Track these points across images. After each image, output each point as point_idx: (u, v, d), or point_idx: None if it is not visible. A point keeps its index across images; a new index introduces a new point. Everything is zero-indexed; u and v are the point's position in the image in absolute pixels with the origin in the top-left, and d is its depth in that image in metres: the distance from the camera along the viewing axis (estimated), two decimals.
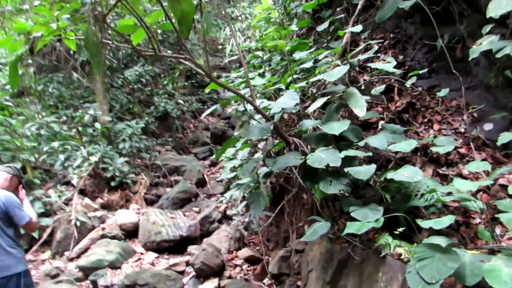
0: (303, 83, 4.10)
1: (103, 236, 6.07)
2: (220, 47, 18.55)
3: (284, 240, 5.13)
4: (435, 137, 4.15)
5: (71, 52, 11.15)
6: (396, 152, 4.28)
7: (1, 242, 3.36)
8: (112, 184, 7.77)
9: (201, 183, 8.68)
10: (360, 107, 3.63)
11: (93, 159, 7.54)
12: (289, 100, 3.74)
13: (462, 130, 4.35)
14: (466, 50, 4.85)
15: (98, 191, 7.65)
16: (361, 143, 3.70)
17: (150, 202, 8.12)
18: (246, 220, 5.60)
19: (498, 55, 3.42)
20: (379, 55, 5.18)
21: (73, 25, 3.15)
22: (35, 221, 3.56)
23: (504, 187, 3.45)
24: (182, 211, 7.11)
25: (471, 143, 3.99)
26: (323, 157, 3.43)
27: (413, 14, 5.52)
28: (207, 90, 14.16)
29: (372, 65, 3.85)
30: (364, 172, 3.22)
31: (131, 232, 6.32)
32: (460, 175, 3.79)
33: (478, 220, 3.43)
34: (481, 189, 3.54)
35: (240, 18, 16.77)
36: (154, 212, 6.44)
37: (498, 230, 3.23)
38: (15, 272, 3.35)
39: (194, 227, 6.18)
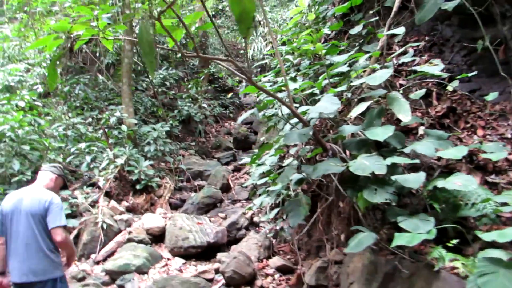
0: (343, 87, 3.95)
1: (129, 240, 5.99)
2: (241, 52, 18.54)
3: (317, 250, 4.97)
4: (480, 143, 3.96)
5: (97, 54, 11.27)
6: (439, 159, 4.11)
7: (41, 244, 3.26)
8: (137, 187, 7.72)
9: (225, 188, 8.59)
10: (404, 112, 3.47)
11: (119, 161, 7.51)
12: (330, 104, 3.60)
13: (509, 135, 4.14)
14: (509, 52, 4.67)
15: (123, 194, 7.61)
16: (407, 150, 3.52)
17: (174, 207, 8.05)
18: (278, 227, 5.45)
19: None
20: (414, 58, 5.00)
21: (112, 26, 3.07)
22: (66, 234, 3.32)
23: None
24: (207, 217, 7.00)
25: None
26: (367, 164, 3.28)
27: (450, 16, 5.33)
28: (229, 95, 14.16)
29: (418, 68, 3.69)
30: (414, 180, 3.06)
31: (157, 237, 6.23)
32: (511, 183, 3.59)
33: None
34: None
35: (262, 23, 16.72)
36: (180, 217, 6.35)
37: None
38: (51, 277, 3.27)
39: (221, 234, 6.07)
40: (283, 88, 4.67)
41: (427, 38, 5.55)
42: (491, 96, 3.80)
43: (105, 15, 3.52)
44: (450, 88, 4.35)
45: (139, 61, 11.27)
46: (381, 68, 4.13)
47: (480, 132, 4.30)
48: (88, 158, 7.44)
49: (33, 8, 10.49)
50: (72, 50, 3.58)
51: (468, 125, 4.44)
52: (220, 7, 20.65)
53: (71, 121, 8.39)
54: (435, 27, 5.56)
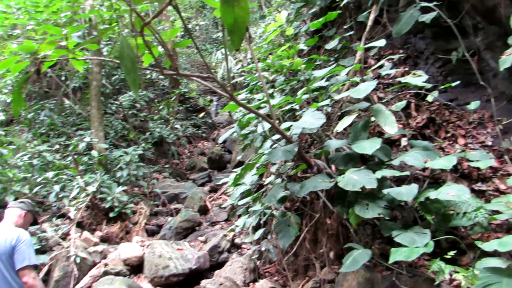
0: (326, 101, 3.88)
1: (106, 273, 5.63)
2: (212, 70, 18.47)
3: (305, 269, 4.81)
4: (463, 151, 3.97)
5: (63, 78, 10.90)
6: (424, 170, 4.08)
7: (12, 284, 3.05)
8: (111, 215, 7.38)
9: (203, 210, 8.33)
10: (390, 124, 3.42)
11: (90, 189, 7.16)
12: (314, 119, 3.52)
13: (489, 143, 4.18)
14: (482, 62, 4.77)
15: (96, 223, 7.25)
16: (396, 162, 3.46)
17: (151, 233, 7.72)
18: (263, 249, 5.27)
19: None
20: (395, 70, 5.02)
21: (87, 43, 2.89)
22: (34, 275, 3.12)
23: None
24: (187, 242, 6.74)
25: (505, 156, 3.81)
26: (357, 179, 3.20)
27: (423, 29, 5.43)
28: (200, 115, 13.98)
29: (402, 79, 3.66)
30: (407, 193, 2.99)
31: (136, 267, 5.89)
32: (498, 190, 3.59)
33: None
34: None
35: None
36: (159, 244, 6.06)
37: None
38: None
39: (203, 259, 5.81)
40: (262, 105, 4.58)
41: (401, 51, 5.62)
42: (473, 105, 3.82)
43: (75, 33, 3.34)
44: (430, 98, 4.38)
45: (108, 83, 10.97)
46: (361, 81, 4.10)
47: (461, 141, 4.33)
48: (56, 188, 7.06)
49: None
50: (39, 73, 3.35)
51: (449, 135, 4.47)
52: (189, 26, 20.61)
53: (37, 149, 7.99)
54: (409, 40, 5.65)
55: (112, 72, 11.83)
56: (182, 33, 16.57)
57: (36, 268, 3.22)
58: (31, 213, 3.51)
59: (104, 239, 6.94)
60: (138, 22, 2.66)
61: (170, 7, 2.29)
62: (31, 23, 8.65)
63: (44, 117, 9.64)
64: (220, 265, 5.90)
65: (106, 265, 5.77)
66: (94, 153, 8.01)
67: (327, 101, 3.89)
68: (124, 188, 7.90)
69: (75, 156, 7.72)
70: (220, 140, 4.55)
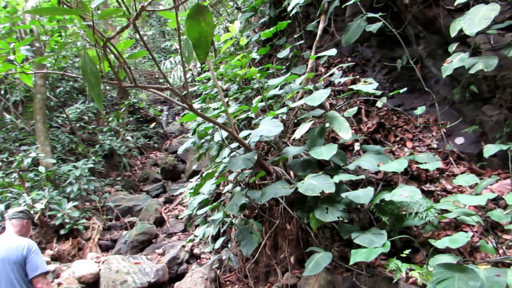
0: (283, 109, 3.97)
1: None
2: (160, 80, 18.24)
3: (266, 275, 4.86)
4: (411, 154, 4.20)
5: (2, 92, 10.33)
6: (376, 173, 4.27)
7: None
8: (62, 232, 7.06)
9: (159, 222, 8.17)
10: (345, 130, 3.56)
11: (39, 206, 6.82)
12: (273, 127, 3.59)
13: (435, 146, 4.45)
14: (425, 69, 5.09)
15: (46, 242, 6.91)
16: (351, 166, 3.61)
17: (105, 248, 7.46)
18: (224, 257, 5.25)
19: (472, 71, 3.53)
20: (347, 78, 5.21)
21: (41, 61, 2.80)
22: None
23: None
24: (144, 255, 6.59)
25: (450, 158, 4.07)
26: (316, 184, 3.29)
27: (369, 38, 5.70)
28: (152, 125, 13.72)
29: (354, 86, 3.82)
30: (364, 196, 3.12)
31: (92, 284, 5.64)
32: (445, 190, 3.83)
33: (471, 234, 3.44)
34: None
35: (179, 51, 16.61)
36: (115, 259, 5.88)
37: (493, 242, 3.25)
38: None
39: (162, 271, 5.70)
40: (220, 114, 4.60)
41: (349, 59, 5.86)
42: (419, 110, 4.06)
43: (23, 47, 3.22)
44: (379, 104, 4.59)
45: (53, 96, 10.52)
46: (314, 89, 4.23)
47: (409, 144, 4.57)
48: (1, 207, 6.66)
49: None
50: None
51: (398, 139, 4.71)
52: (137, 36, 20.21)
53: None
54: (356, 49, 5.91)
55: (56, 84, 11.38)
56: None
57: (47, 273, 3.36)
58: (31, 220, 3.65)
59: (56, 258, 6.63)
60: (91, 34, 2.61)
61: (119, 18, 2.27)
62: None
63: None
64: (179, 276, 5.82)
65: (59, 284, 5.51)
66: (42, 168, 7.64)
67: (284, 109, 3.97)
68: (75, 203, 7.59)
69: (20, 173, 7.33)
70: (180, 151, 4.51)
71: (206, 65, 8.76)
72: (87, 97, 11.84)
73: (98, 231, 7.64)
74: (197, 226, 7.13)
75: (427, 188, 3.94)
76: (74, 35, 9.84)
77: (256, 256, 4.77)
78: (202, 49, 1.71)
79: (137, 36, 19.75)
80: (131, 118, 13.23)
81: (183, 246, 6.46)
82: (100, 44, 2.50)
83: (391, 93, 4.29)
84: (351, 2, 4.64)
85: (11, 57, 3.22)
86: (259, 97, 4.59)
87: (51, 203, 7.19)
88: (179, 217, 8.09)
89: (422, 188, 3.96)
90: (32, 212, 6.72)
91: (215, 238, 5.45)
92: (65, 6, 2.10)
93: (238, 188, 4.38)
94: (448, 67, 3.67)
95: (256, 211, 5.05)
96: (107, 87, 13.08)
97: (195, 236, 5.62)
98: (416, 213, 3.39)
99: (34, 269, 3.23)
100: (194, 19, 1.62)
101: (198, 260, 6.34)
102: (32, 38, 6.58)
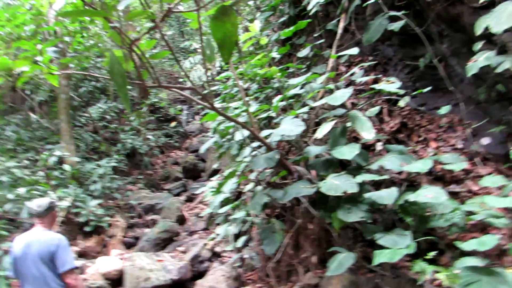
0: (305, 109, 3.97)
1: None
2: (180, 80, 18.40)
3: (287, 275, 4.86)
4: (435, 154, 4.14)
5: (27, 92, 10.59)
6: (399, 173, 4.23)
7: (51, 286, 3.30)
8: (87, 229, 7.21)
9: (180, 220, 8.28)
10: (367, 130, 3.54)
11: (65, 204, 6.99)
12: (294, 127, 3.60)
13: (460, 146, 4.36)
14: (449, 68, 4.99)
15: (72, 239, 7.06)
16: (374, 166, 3.58)
17: (128, 246, 7.60)
18: (245, 256, 5.29)
19: (498, 70, 3.46)
20: (369, 77, 5.16)
21: (69, 62, 2.87)
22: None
23: None
24: (166, 252, 6.68)
25: (475, 159, 4.00)
26: (338, 184, 3.29)
27: (390, 37, 5.63)
28: (172, 124, 13.87)
29: (377, 86, 3.80)
30: (387, 196, 3.10)
31: (116, 281, 5.78)
32: (471, 192, 3.76)
33: (498, 236, 3.37)
34: None
35: (199, 50, 16.74)
36: (138, 256, 5.99)
37: None
38: None
39: (184, 269, 5.79)
40: (241, 114, 4.63)
41: (370, 58, 5.79)
42: (444, 109, 4.00)
43: (50, 48, 3.30)
44: (402, 104, 4.54)
45: (76, 96, 10.75)
46: (335, 88, 4.22)
47: (433, 144, 4.50)
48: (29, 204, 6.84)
49: None
50: (15, 89, 3.29)
51: (421, 138, 4.64)
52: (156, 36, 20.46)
53: (5, 165, 7.72)
54: (377, 47, 5.83)
55: (79, 84, 11.60)
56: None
57: (77, 269, 3.48)
58: (56, 211, 3.73)
59: (81, 254, 6.79)
60: (115, 35, 2.66)
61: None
62: None
63: (10, 133, 9.34)
64: (201, 274, 5.88)
65: (85, 280, 5.65)
66: (66, 167, 7.82)
67: (305, 108, 3.97)
68: (99, 201, 7.74)
69: (46, 171, 7.51)
70: (201, 150, 4.56)
71: (225, 65, 8.82)
72: (109, 97, 12.05)
73: (122, 228, 7.79)
74: (218, 224, 7.19)
75: (452, 189, 3.87)
76: (96, 36, 10.03)
77: (278, 255, 4.79)
78: (227, 49, 1.73)
79: (157, 36, 20.00)
80: (152, 117, 13.41)
81: (205, 244, 6.53)
82: (125, 45, 2.55)
83: (414, 93, 4.24)
84: (372, 1, 4.59)
85: (38, 58, 3.30)
86: (280, 96, 4.60)
87: (76, 200, 7.36)
88: (200, 215, 8.18)
89: (447, 189, 3.89)
90: (57, 209, 6.94)
91: (236, 236, 5.49)
92: (90, 8, 2.15)
93: (259, 187, 4.40)
94: (473, 66, 3.60)
95: (278, 210, 5.07)
96: (129, 87, 13.29)
97: (216, 234, 5.67)
98: (441, 214, 3.34)
99: (63, 265, 3.30)
100: (219, 20, 1.64)
101: (220, 259, 6.39)
102: (58, 39, 6.74)
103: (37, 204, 3.58)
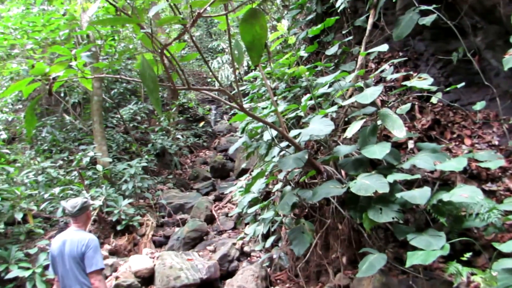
0: (334, 108, 3.92)
1: (117, 286, 5.63)
2: (208, 80, 18.56)
3: (317, 275, 4.83)
4: (470, 151, 4.00)
5: (62, 94, 10.93)
6: (432, 172, 4.11)
7: (82, 285, 3.44)
8: (118, 228, 7.39)
9: (209, 219, 8.34)
10: (398, 128, 3.45)
11: (97, 203, 7.18)
12: (323, 126, 3.55)
13: (496, 142, 4.21)
14: (484, 62, 4.82)
15: (104, 237, 7.25)
16: (406, 165, 3.49)
17: (158, 244, 7.72)
18: (274, 256, 5.28)
19: None
20: (401, 74, 5.04)
21: (92, 63, 2.93)
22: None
23: None
24: (195, 251, 6.75)
25: None
26: (369, 184, 3.22)
27: (421, 31, 5.48)
28: (201, 124, 14.00)
29: (408, 83, 3.70)
30: (420, 196, 3.02)
31: (147, 279, 5.89)
32: (509, 190, 3.62)
33: None
34: None
35: (226, 50, 16.84)
36: (169, 255, 6.07)
37: None
38: None
39: (213, 268, 5.83)
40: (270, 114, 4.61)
41: (401, 53, 5.66)
42: (479, 105, 3.86)
43: (84, 53, 3.38)
44: (434, 100, 4.42)
45: (108, 98, 11.01)
46: (364, 86, 4.14)
47: (467, 141, 4.36)
48: (63, 203, 7.06)
49: None
50: (51, 93, 3.40)
51: (455, 136, 4.50)
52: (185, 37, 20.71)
53: (41, 165, 8.01)
54: (407, 43, 5.69)
55: (111, 86, 11.89)
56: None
57: (103, 270, 3.53)
58: (89, 211, 3.84)
59: (113, 252, 6.94)
60: (145, 40, 2.70)
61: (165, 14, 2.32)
62: (30, 42, 8.69)
63: (46, 134, 9.66)
64: (230, 274, 5.91)
65: (117, 278, 5.78)
66: (99, 167, 8.03)
67: (334, 107, 3.92)
68: (130, 200, 7.91)
69: (80, 171, 7.73)
70: (230, 150, 4.57)
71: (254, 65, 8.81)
72: (140, 98, 12.28)
73: (152, 227, 7.92)
74: (246, 224, 7.22)
75: (488, 188, 3.74)
76: (127, 39, 10.24)
77: (307, 255, 4.75)
78: (256, 52, 1.72)
79: (186, 37, 20.23)
80: (181, 118, 13.59)
81: (234, 244, 6.55)
82: (156, 49, 2.58)
83: (447, 88, 4.11)
84: None
85: (73, 63, 3.39)
86: (308, 95, 4.56)
87: (108, 200, 7.54)
88: (229, 215, 8.22)
89: (482, 187, 3.76)
90: (91, 208, 7.13)
91: (265, 236, 5.49)
92: (122, 14, 2.18)
93: (288, 187, 4.38)
94: (510, 59, 3.46)
95: (306, 210, 5.03)
96: (159, 89, 13.49)
97: (245, 234, 5.69)
98: (477, 214, 3.22)
99: (90, 265, 3.42)
100: (248, 22, 1.63)
101: (249, 258, 6.41)
102: (92, 44, 6.91)
103: (71, 204, 3.68)
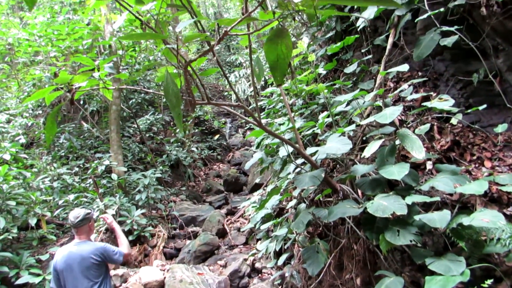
0: (352, 126, 3.89)
1: None
2: (224, 93, 18.69)
3: None
4: (490, 174, 3.92)
5: (81, 102, 11.11)
6: (451, 194, 4.03)
7: None
8: (130, 238, 7.39)
9: (221, 233, 8.31)
10: (417, 149, 3.40)
11: (110, 212, 7.20)
12: (341, 145, 3.52)
13: None
14: (505, 84, 4.75)
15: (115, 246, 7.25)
16: (425, 187, 3.43)
17: (169, 256, 7.70)
18: (286, 274, 5.20)
19: None
20: (420, 95, 5.00)
21: (113, 74, 2.96)
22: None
23: None
24: (206, 265, 6.71)
25: None
26: (386, 205, 3.17)
27: (442, 52, 5.44)
28: (215, 137, 14.06)
29: (428, 103, 3.66)
30: (440, 219, 2.95)
31: None
32: None
33: None
34: None
35: (244, 64, 16.98)
36: (179, 268, 6.05)
37: None
38: None
39: (224, 284, 5.78)
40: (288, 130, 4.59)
41: (420, 73, 5.62)
42: (501, 128, 3.79)
43: (107, 64, 3.43)
44: (454, 121, 4.35)
45: (126, 107, 11.15)
46: (383, 105, 4.11)
47: (487, 164, 4.27)
48: None
49: (15, 58, 10.37)
50: (73, 102, 3.47)
51: (475, 158, 4.41)
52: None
53: (57, 172, 8.11)
54: (427, 63, 5.65)
55: (129, 96, 12.05)
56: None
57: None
58: (92, 222, 3.89)
59: (124, 263, 6.92)
60: (169, 53, 2.73)
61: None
62: (53, 50, 8.89)
63: (63, 140, 9.80)
64: None
65: None
66: (114, 176, 8.09)
67: (352, 126, 3.89)
68: (143, 211, 7.94)
69: (95, 179, 7.79)
70: (246, 166, 4.55)
71: (270, 79, 8.82)
72: (157, 109, 12.41)
73: (163, 239, 7.91)
74: (258, 240, 7.16)
75: (510, 213, 3.64)
76: (148, 50, 10.40)
77: (321, 275, 4.68)
78: (280, 71, 1.71)
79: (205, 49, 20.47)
80: (196, 130, 13.67)
81: (245, 260, 6.50)
82: (180, 64, 2.60)
83: (468, 110, 4.05)
84: (424, 16, 4.47)
85: (95, 74, 3.44)
86: (326, 113, 4.54)
87: (121, 209, 7.57)
88: (241, 230, 8.17)
89: (504, 212, 3.67)
90: (94, 220, 7.16)
91: (277, 254, 5.42)
92: (147, 29, 2.21)
93: (303, 205, 4.33)
94: None
95: (321, 228, 4.97)
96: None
97: (257, 250, 5.63)
98: (498, 239, 3.14)
99: (117, 261, 3.71)
100: (273, 41, 1.63)
101: (260, 275, 6.34)
102: (114, 56, 7.04)
103: (74, 214, 3.72)
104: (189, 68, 2.58)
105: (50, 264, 6.00)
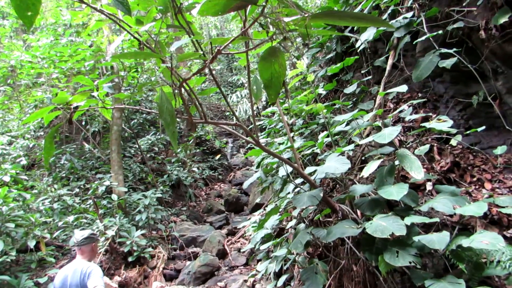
0: (350, 146, 3.89)
1: None
2: (226, 113, 18.79)
3: None
4: (490, 196, 3.90)
5: (83, 122, 11.18)
6: (451, 216, 4.00)
7: None
8: (130, 259, 7.32)
9: (221, 254, 8.22)
10: (416, 169, 3.40)
11: (110, 233, 7.16)
12: (339, 164, 3.52)
13: None
14: (504, 106, 4.77)
15: (115, 268, 7.19)
16: (424, 208, 3.41)
17: (169, 278, 7.60)
18: None
19: None
20: (413, 116, 5.03)
21: (113, 94, 2.99)
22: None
23: None
24: (206, 287, 6.61)
25: None
26: (385, 226, 3.14)
27: (441, 73, 5.49)
28: (217, 157, 14.07)
29: (427, 124, 3.67)
30: (439, 240, 2.92)
31: None
32: None
33: None
34: None
35: (246, 85, 17.14)
36: None
37: None
38: None
39: None
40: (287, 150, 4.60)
41: (420, 94, 5.66)
42: (500, 150, 3.79)
43: (106, 84, 3.47)
44: (454, 142, 4.36)
45: (127, 127, 11.21)
46: (382, 125, 4.13)
47: (487, 185, 4.25)
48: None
49: (17, 80, 10.50)
50: (71, 122, 3.51)
51: (475, 179, 4.40)
52: (205, 71, 21.21)
53: (57, 193, 8.10)
54: (427, 84, 5.69)
55: (131, 116, 12.13)
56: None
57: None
58: (96, 242, 3.89)
59: (123, 284, 6.85)
60: (166, 72, 2.76)
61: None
62: (56, 71, 9.01)
63: (64, 161, 9.82)
64: None
65: None
66: (114, 196, 8.07)
67: (351, 146, 3.89)
68: (143, 231, 7.88)
69: (95, 200, 7.77)
70: (245, 185, 4.55)
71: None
72: (158, 129, 12.47)
73: (163, 260, 7.83)
74: (259, 260, 7.08)
75: (510, 235, 3.60)
76: (149, 71, 10.53)
77: None
78: (273, 89, 1.74)
79: (206, 71, 20.69)
80: (197, 150, 13.69)
81: (245, 281, 6.41)
82: (176, 83, 2.64)
83: (468, 131, 4.06)
84: (423, 38, 4.53)
85: (95, 93, 3.48)
86: (325, 132, 4.56)
87: (121, 230, 7.52)
88: (241, 250, 8.08)
89: (504, 234, 3.63)
90: (103, 238, 7.11)
91: (277, 274, 5.35)
92: (145, 48, 2.25)
93: (302, 225, 4.30)
94: None
95: (320, 249, 4.92)
96: (178, 120, 13.72)
97: (257, 271, 5.56)
98: (498, 261, 3.10)
99: (92, 284, 3.48)
100: (267, 60, 1.65)
101: None
102: (114, 76, 7.13)
103: (80, 233, 3.77)
104: (187, 87, 2.61)
105: (48, 287, 5.96)
